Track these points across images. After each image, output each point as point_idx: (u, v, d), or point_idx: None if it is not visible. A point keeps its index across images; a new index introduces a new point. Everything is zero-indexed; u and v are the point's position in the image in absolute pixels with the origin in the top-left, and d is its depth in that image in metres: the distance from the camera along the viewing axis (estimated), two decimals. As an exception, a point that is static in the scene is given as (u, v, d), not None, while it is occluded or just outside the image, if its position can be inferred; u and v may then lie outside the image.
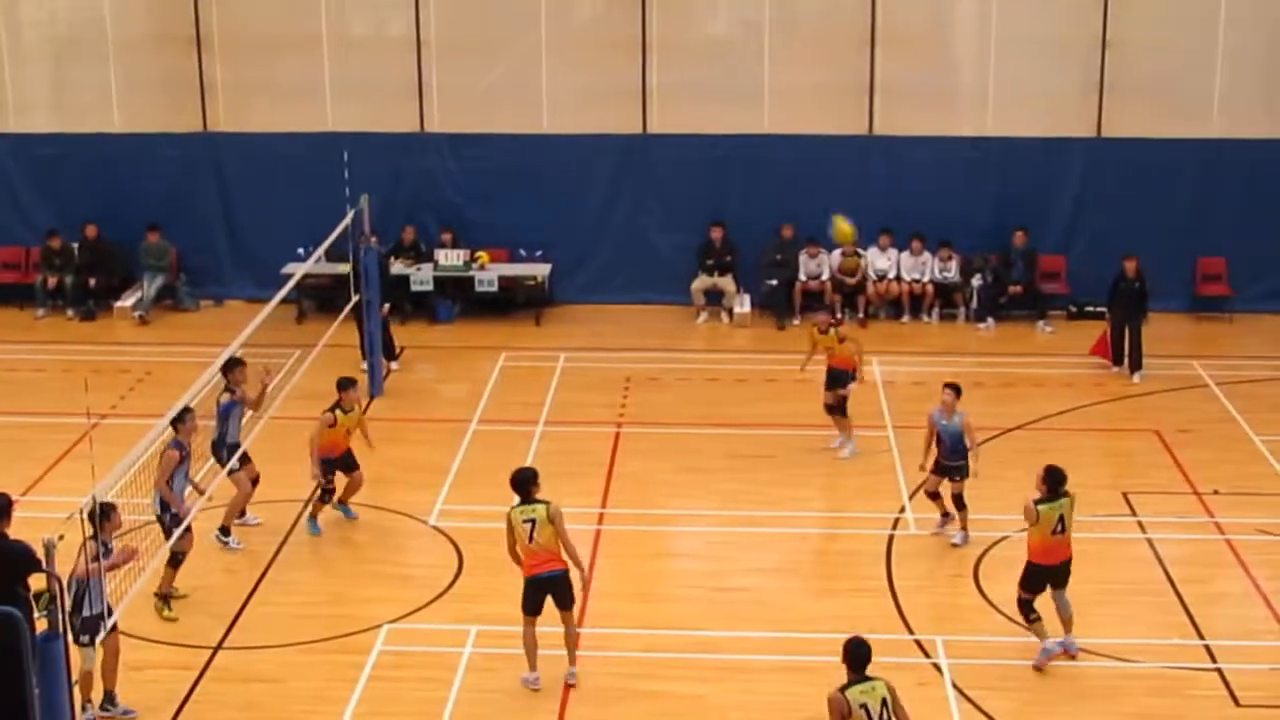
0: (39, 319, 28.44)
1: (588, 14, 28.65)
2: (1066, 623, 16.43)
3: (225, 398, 18.86)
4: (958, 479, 18.93)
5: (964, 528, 19.07)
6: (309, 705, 15.83)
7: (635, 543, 19.41)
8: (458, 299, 28.07)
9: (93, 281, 28.40)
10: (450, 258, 27.96)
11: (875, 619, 17.31)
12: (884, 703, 12.72)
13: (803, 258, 27.87)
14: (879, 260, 28.01)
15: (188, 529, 17.16)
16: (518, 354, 26.22)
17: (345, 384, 19.43)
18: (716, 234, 27.93)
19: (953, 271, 27.85)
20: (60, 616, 12.81)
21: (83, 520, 13.77)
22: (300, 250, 26.80)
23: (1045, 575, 16.25)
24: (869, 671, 12.88)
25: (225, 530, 18.98)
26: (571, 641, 16.09)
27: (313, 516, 19.39)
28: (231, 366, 18.74)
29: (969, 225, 27.92)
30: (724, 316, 28.00)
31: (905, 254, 27.93)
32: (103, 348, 26.74)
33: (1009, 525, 18.98)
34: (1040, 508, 16.07)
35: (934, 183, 27.89)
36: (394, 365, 25.17)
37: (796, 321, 27.54)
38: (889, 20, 27.63)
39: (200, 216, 29.05)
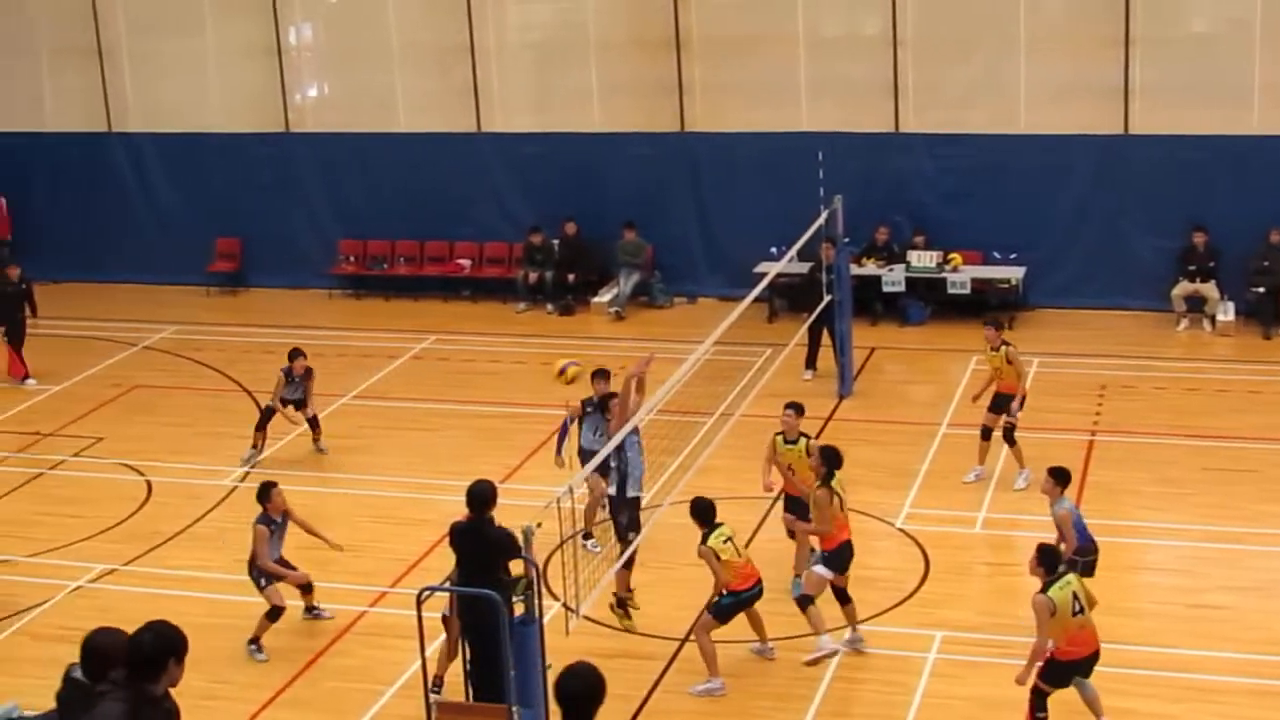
0: (519, 313, 29.46)
1: (1066, 10, 27.99)
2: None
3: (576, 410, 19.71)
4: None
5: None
6: (771, 702, 15.94)
7: (1106, 554, 18.67)
8: (929, 300, 27.84)
9: (571, 277, 29.26)
10: (922, 259, 27.74)
11: (1365, 646, 16.49)
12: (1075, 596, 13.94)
13: (1292, 264, 26.68)
14: (1375, 268, 26.60)
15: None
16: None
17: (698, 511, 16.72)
18: (1199, 239, 26.90)
19: None
20: (537, 602, 13.23)
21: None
22: (773, 250, 27.02)
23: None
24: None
25: (587, 534, 18.95)
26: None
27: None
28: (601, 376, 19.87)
29: None
30: (1206, 324, 26.94)
31: (1404, 261, 26.45)
32: (580, 342, 27.43)
33: None
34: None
35: None
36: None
37: (1286, 331, 26.46)
38: (1393, 14, 26.21)
39: (675, 214, 29.60)
